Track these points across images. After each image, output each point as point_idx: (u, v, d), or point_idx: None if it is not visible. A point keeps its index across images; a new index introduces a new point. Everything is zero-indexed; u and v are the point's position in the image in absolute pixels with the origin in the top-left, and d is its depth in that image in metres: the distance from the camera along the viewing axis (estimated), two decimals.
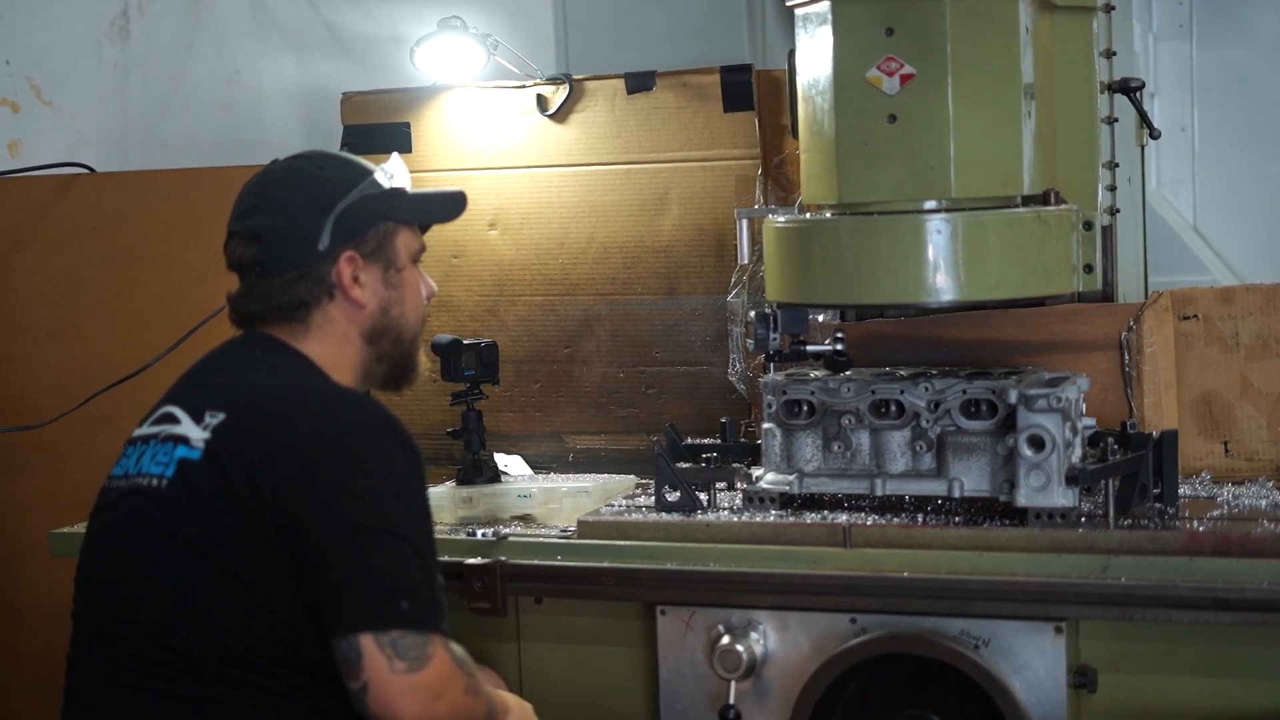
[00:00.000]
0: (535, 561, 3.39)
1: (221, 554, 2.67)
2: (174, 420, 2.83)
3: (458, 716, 2.67)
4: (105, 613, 2.77)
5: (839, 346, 3.61)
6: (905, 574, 3.12)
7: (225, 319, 4.39)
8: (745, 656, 3.20)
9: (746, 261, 3.68)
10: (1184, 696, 3.06)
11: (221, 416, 2.77)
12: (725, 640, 3.22)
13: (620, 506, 3.56)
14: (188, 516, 2.71)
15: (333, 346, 2.91)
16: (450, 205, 3.10)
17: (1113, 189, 3.70)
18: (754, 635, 3.22)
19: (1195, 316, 3.60)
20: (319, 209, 2.86)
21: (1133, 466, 3.21)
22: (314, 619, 2.65)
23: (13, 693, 4.72)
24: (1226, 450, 3.55)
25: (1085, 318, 3.70)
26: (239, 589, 2.66)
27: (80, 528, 3.79)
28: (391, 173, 2.96)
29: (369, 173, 2.94)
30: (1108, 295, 3.73)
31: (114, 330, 4.64)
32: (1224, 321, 3.58)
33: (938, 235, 3.20)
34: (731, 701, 3.21)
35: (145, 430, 2.89)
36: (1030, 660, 3.08)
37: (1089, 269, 3.37)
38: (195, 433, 2.77)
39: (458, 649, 2.70)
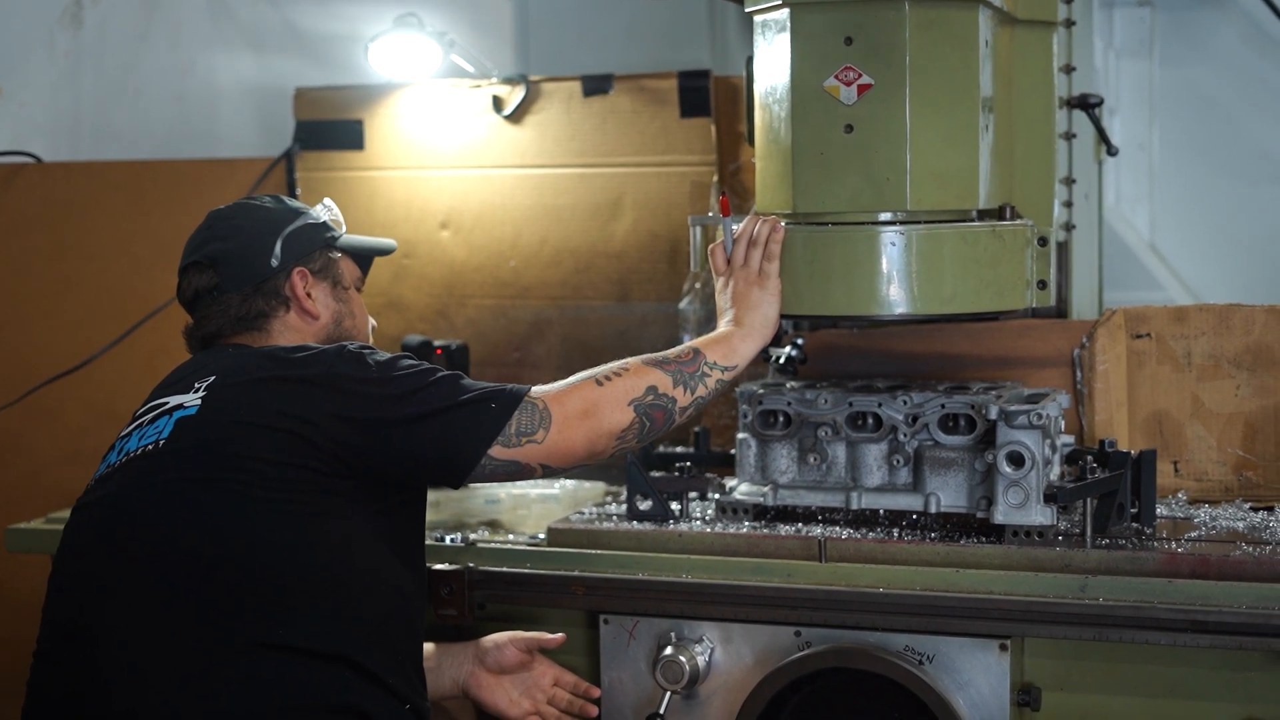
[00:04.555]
0: (504, 569, 3.33)
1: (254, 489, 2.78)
2: (160, 407, 2.93)
3: (615, 413, 2.94)
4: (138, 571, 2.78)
5: (795, 352, 3.59)
6: (856, 588, 3.09)
7: (171, 313, 4.40)
8: (688, 668, 3.16)
9: (699, 269, 3.65)
10: (1128, 716, 3.04)
11: (212, 378, 2.90)
12: (668, 651, 3.19)
13: (591, 514, 3.50)
14: (191, 460, 2.81)
15: None
16: (382, 249, 3.34)
17: (1069, 205, 3.69)
18: (698, 648, 3.18)
19: (1148, 335, 3.59)
20: (268, 231, 3.11)
21: (1111, 486, 3.18)
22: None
23: None
24: (1176, 470, 3.54)
25: (1038, 334, 3.69)
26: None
27: (39, 523, 3.76)
28: (329, 206, 3.25)
29: (308, 209, 3.21)
30: (1061, 311, 3.73)
31: (59, 322, 4.60)
32: (1176, 341, 3.57)
33: (892, 248, 3.18)
34: (661, 711, 3.17)
35: (125, 430, 2.97)
36: (974, 677, 3.05)
37: (1043, 285, 3.34)
38: (188, 397, 2.89)
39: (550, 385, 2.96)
